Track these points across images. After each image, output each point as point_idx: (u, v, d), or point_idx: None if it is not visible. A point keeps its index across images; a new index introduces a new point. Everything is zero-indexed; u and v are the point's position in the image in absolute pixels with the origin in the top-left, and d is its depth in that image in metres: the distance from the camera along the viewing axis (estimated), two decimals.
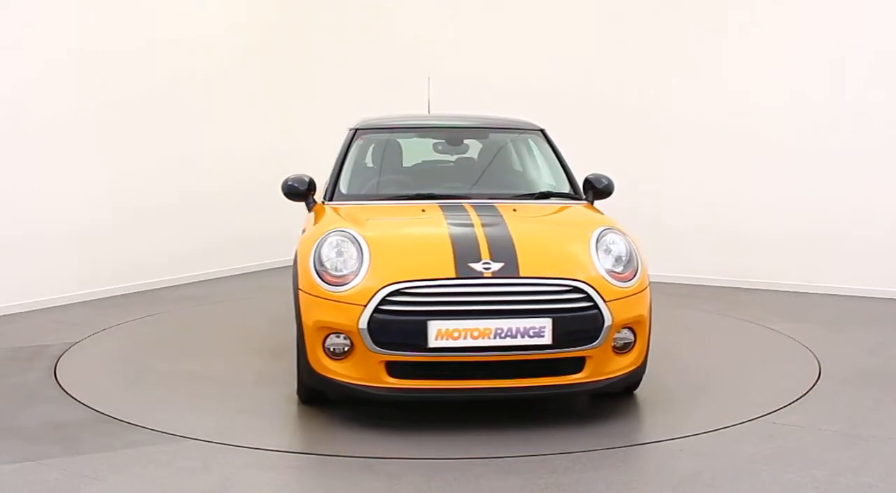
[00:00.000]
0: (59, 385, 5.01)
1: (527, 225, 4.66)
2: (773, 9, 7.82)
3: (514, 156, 5.78)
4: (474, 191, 5.27)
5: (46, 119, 7.09)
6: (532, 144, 5.67)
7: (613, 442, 4.10)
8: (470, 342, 4.01)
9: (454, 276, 4.09)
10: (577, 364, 4.19)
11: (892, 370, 5.35)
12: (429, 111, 6.43)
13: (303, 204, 5.32)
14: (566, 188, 5.33)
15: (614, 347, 4.26)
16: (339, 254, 4.28)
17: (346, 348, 4.13)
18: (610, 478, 3.69)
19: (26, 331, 6.29)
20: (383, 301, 4.04)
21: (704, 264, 8.20)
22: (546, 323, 4.04)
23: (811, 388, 4.96)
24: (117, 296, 7.56)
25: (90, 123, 7.42)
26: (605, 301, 4.13)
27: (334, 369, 4.19)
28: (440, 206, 4.84)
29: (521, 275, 4.11)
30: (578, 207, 5.11)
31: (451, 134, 5.83)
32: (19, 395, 4.84)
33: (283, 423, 4.40)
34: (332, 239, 4.36)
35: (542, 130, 5.68)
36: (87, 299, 7.34)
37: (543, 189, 5.35)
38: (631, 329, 4.30)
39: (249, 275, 8.84)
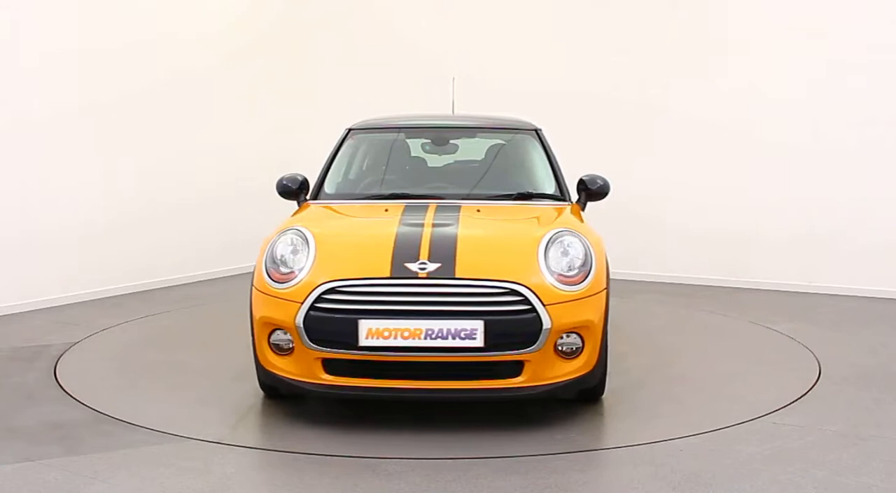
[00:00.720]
0: (59, 385, 5.01)
1: (479, 227, 4.61)
2: (775, 8, 7.81)
3: (503, 156, 5.72)
4: (453, 191, 5.23)
5: (46, 119, 7.09)
6: (524, 144, 5.60)
7: (614, 442, 4.10)
8: (400, 342, 4.01)
9: (388, 275, 4.11)
10: (515, 368, 4.11)
11: (892, 370, 5.35)
12: (453, 111, 6.40)
13: None
14: (551, 189, 5.26)
15: (560, 351, 4.16)
16: (294, 252, 4.35)
17: (289, 345, 4.20)
18: (610, 478, 3.69)
19: (26, 331, 6.29)
20: (318, 299, 4.09)
21: (705, 264, 8.20)
22: (478, 325, 4.00)
23: (811, 388, 4.96)
24: (117, 296, 7.56)
25: (90, 123, 7.42)
26: (544, 305, 4.05)
27: (279, 364, 4.27)
28: (405, 205, 4.86)
29: (456, 276, 4.08)
30: (550, 209, 4.97)
31: (444, 134, 5.79)
32: (19, 395, 4.84)
33: (283, 423, 4.40)
34: (286, 238, 4.45)
35: (536, 130, 5.61)
36: (87, 299, 7.34)
37: (526, 190, 5.24)
38: (578, 334, 4.19)
39: (249, 275, 8.82)
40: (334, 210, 5.07)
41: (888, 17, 7.39)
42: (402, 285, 4.08)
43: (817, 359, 5.56)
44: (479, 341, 4.00)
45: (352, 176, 5.58)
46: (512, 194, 5.17)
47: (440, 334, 3.99)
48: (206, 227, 8.48)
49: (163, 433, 4.23)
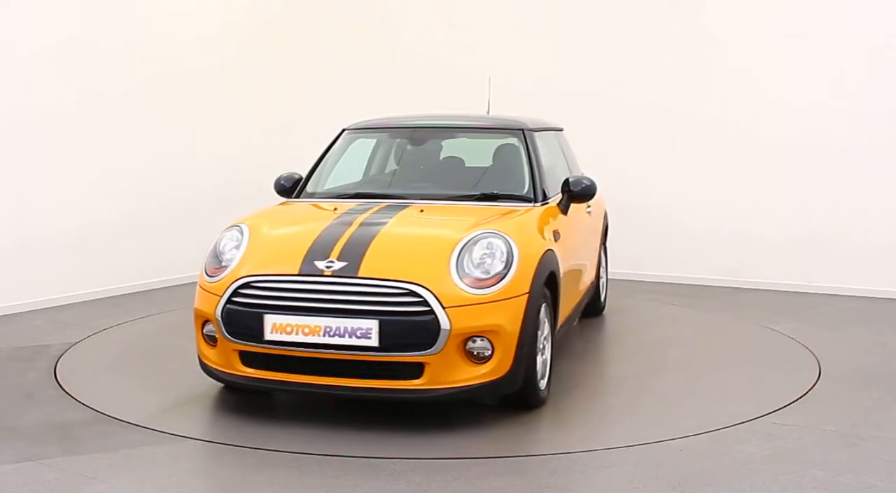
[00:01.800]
0: (59, 385, 5.01)
1: (406, 227, 4.59)
2: (775, 8, 7.82)
3: (481, 156, 5.72)
4: (420, 191, 5.25)
5: (45, 119, 7.09)
6: (506, 144, 5.55)
7: (614, 442, 4.10)
8: (301, 338, 4.10)
9: (296, 273, 4.21)
10: (416, 370, 4.09)
11: (892, 370, 5.35)
12: (488, 111, 6.40)
13: None
14: (523, 190, 5.13)
15: (471, 355, 4.14)
16: (232, 248, 4.54)
17: (215, 337, 4.41)
18: (610, 478, 3.69)
19: (26, 331, 6.29)
20: (234, 293, 4.26)
21: (705, 264, 8.20)
22: (373, 325, 4.03)
23: (811, 388, 4.96)
24: (117, 296, 7.56)
25: (90, 123, 7.41)
26: (443, 307, 4.02)
27: (208, 355, 4.49)
28: (355, 204, 4.98)
29: (359, 275, 4.12)
30: (505, 210, 4.87)
31: (430, 135, 5.77)
32: (19, 395, 4.84)
33: (283, 423, 4.40)
34: (228, 233, 4.67)
35: (522, 130, 5.47)
36: (87, 299, 7.34)
37: (491, 190, 5.15)
38: (488, 338, 4.12)
39: None
40: (291, 208, 5.18)
41: (889, 18, 7.38)
42: (305, 283, 4.17)
43: (817, 359, 5.56)
44: (374, 341, 4.03)
45: (334, 175, 5.68)
46: (475, 195, 5.13)
47: (338, 332, 4.05)
48: (206, 227, 8.43)
49: (163, 433, 4.23)
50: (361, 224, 4.52)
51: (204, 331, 4.49)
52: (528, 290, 4.26)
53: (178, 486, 3.62)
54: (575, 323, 6.00)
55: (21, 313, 6.85)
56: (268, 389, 4.45)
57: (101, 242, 7.51)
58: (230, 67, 8.73)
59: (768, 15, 7.84)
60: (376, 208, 4.84)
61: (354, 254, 4.22)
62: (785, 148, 7.81)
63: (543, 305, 4.48)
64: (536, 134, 5.59)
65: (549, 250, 4.60)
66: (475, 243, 4.28)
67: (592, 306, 6.63)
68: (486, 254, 4.25)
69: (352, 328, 4.04)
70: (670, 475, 3.72)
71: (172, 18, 8.13)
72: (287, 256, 4.32)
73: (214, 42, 8.57)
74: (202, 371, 4.64)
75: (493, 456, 3.93)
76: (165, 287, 8.03)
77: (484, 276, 4.18)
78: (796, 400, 4.73)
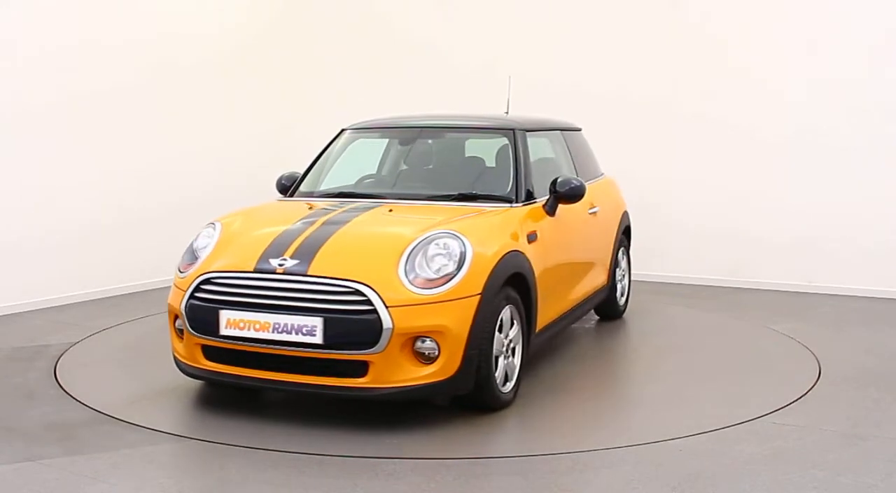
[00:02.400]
0: (59, 385, 5.01)
1: (364, 227, 4.60)
2: (781, 7, 7.82)
3: (471, 156, 5.72)
4: (401, 191, 5.34)
5: (45, 119, 7.09)
6: (495, 144, 5.53)
7: (614, 442, 4.10)
8: (252, 334, 4.20)
9: (251, 270, 4.31)
10: (361, 368, 4.13)
11: (892, 370, 5.35)
12: (507, 111, 6.37)
13: None
14: (504, 191, 5.09)
15: (420, 354, 4.16)
16: (205, 245, 4.68)
17: (182, 330, 4.54)
18: (610, 478, 3.69)
19: (26, 331, 6.29)
20: (196, 288, 4.40)
21: (705, 264, 8.20)
22: (317, 322, 4.08)
23: (811, 388, 4.96)
24: (117, 296, 7.56)
25: (90, 122, 7.41)
26: (386, 306, 4.04)
27: (178, 348, 4.64)
28: (330, 203, 5.10)
29: (308, 273, 4.18)
30: (477, 210, 4.86)
31: (425, 134, 5.79)
32: (19, 395, 4.84)
33: (283, 423, 4.40)
34: (204, 231, 4.83)
35: (513, 130, 5.40)
36: (87, 299, 7.34)
37: (469, 191, 5.15)
38: (434, 339, 4.13)
39: None
40: (272, 206, 5.28)
41: (891, 19, 7.38)
42: (258, 280, 4.27)
43: (817, 359, 5.56)
44: (318, 338, 4.09)
45: (325, 174, 5.72)
46: (452, 195, 5.12)
47: (285, 329, 4.13)
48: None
49: (163, 432, 4.23)
50: (324, 223, 4.59)
51: (175, 325, 4.63)
52: (480, 291, 4.23)
53: (178, 486, 3.62)
54: (590, 324, 5.99)
55: (21, 313, 6.85)
56: (225, 383, 4.55)
57: (101, 242, 7.51)
58: (230, 67, 8.73)
59: (772, 14, 7.83)
60: (346, 208, 4.90)
61: (307, 253, 4.29)
62: (785, 148, 7.80)
63: (507, 307, 4.47)
64: (530, 134, 5.55)
65: (513, 251, 4.55)
66: (429, 243, 4.29)
67: (608, 309, 6.60)
68: (438, 254, 4.25)
69: (298, 325, 4.11)
70: (670, 475, 3.72)
71: (172, 18, 8.13)
72: (246, 253, 4.43)
73: (214, 42, 8.57)
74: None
75: (493, 456, 3.93)
76: (165, 287, 7.97)
77: (433, 276, 4.19)
78: (796, 400, 4.73)
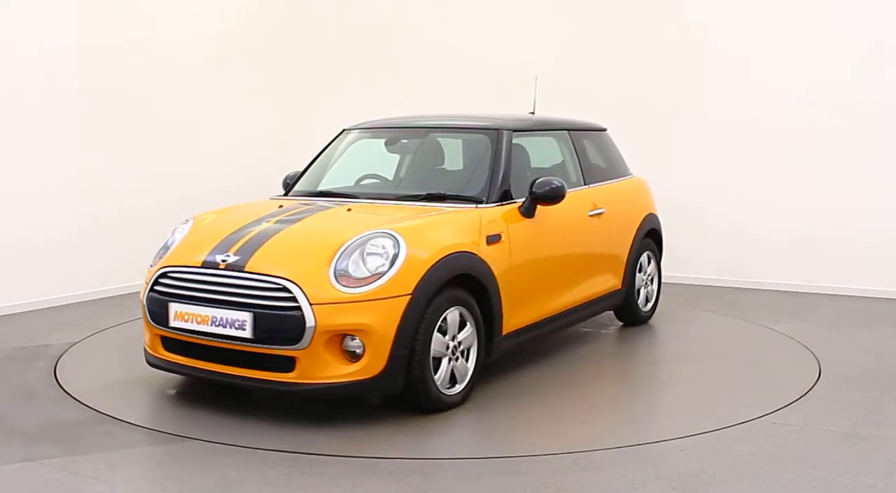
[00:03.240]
0: (59, 385, 5.01)
1: (309, 226, 4.67)
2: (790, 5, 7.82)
3: (451, 156, 5.70)
4: (374, 190, 5.46)
5: (45, 118, 7.09)
6: (475, 144, 5.50)
7: (613, 442, 4.10)
8: (195, 326, 4.38)
9: (198, 265, 4.48)
10: (289, 363, 4.21)
11: (892, 370, 5.35)
12: (533, 110, 6.37)
13: None
14: (475, 191, 5.06)
15: (348, 352, 4.22)
16: (175, 241, 4.88)
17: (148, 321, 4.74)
18: (610, 478, 3.69)
19: (26, 331, 6.29)
20: (155, 282, 4.62)
21: (705, 264, 8.19)
22: (247, 317, 4.21)
23: (811, 388, 4.96)
24: (117, 296, 7.56)
25: (89, 122, 7.42)
26: (311, 304, 4.11)
27: (146, 339, 4.82)
28: (298, 202, 5.21)
29: (245, 270, 4.30)
30: (433, 209, 4.88)
31: (414, 134, 5.80)
32: (19, 395, 4.84)
33: (283, 423, 4.40)
34: (181, 227, 5.01)
35: (496, 130, 5.35)
36: (87, 299, 7.34)
37: (439, 191, 5.16)
38: (359, 337, 4.18)
39: None
40: (250, 204, 5.38)
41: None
42: (203, 274, 4.44)
43: (817, 359, 5.55)
44: (248, 333, 4.21)
45: (318, 174, 5.79)
46: (421, 195, 5.14)
47: (221, 323, 4.29)
48: None
49: (163, 433, 4.23)
50: (276, 222, 4.69)
51: (147, 317, 4.77)
52: (410, 291, 4.24)
53: (178, 486, 3.62)
54: (608, 330, 5.97)
55: (21, 313, 6.85)
56: (176, 372, 4.72)
57: (101, 241, 7.51)
58: (231, 67, 8.73)
59: (764, 7, 7.83)
60: (306, 207, 5.01)
61: (249, 250, 4.41)
62: (786, 148, 7.80)
63: (454, 308, 4.48)
64: (521, 135, 5.51)
65: (461, 252, 4.53)
66: (365, 243, 4.32)
67: (628, 314, 6.43)
68: (374, 254, 4.29)
69: (231, 319, 4.25)
70: (670, 475, 3.72)
71: (172, 18, 8.12)
72: (199, 249, 4.59)
73: (214, 41, 8.56)
74: None
75: (494, 456, 3.93)
76: None
77: (360, 275, 4.22)
78: (796, 400, 4.73)
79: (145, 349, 4.84)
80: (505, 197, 5.06)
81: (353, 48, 9.50)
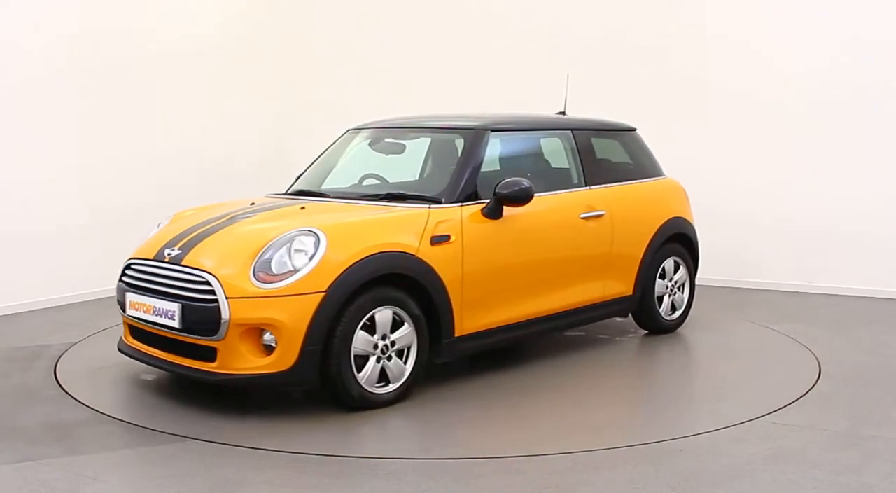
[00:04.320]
0: (59, 385, 5.01)
1: (251, 223, 4.79)
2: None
3: (430, 156, 5.71)
4: (340, 191, 5.48)
5: (46, 117, 7.09)
6: (447, 144, 5.49)
7: (613, 442, 4.10)
8: (142, 315, 4.68)
9: (150, 258, 4.77)
10: (211, 353, 4.39)
11: (892, 370, 5.35)
12: (565, 109, 6.33)
13: None
14: (435, 192, 5.05)
15: (264, 345, 4.33)
16: (152, 235, 5.14)
17: None
18: (610, 478, 3.69)
19: (26, 331, 6.29)
20: (122, 272, 4.93)
21: (706, 264, 8.17)
22: (176, 308, 4.45)
23: (811, 388, 4.96)
24: None
25: (90, 122, 7.42)
26: (227, 298, 4.27)
27: (124, 329, 5.08)
28: (268, 201, 5.35)
29: (181, 263, 4.54)
30: (381, 208, 4.95)
31: (399, 135, 5.82)
32: (19, 395, 4.84)
33: (283, 423, 4.40)
34: (162, 222, 5.26)
35: (472, 130, 5.31)
36: (87, 299, 7.34)
37: (398, 191, 5.22)
38: (272, 332, 4.29)
39: None
40: (230, 202, 5.52)
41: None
42: (151, 266, 4.73)
43: (817, 359, 5.55)
44: (176, 323, 4.45)
45: (311, 174, 5.86)
46: (381, 195, 5.18)
47: (158, 312, 4.56)
48: None
49: (163, 433, 4.23)
50: (227, 219, 4.86)
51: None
52: (324, 289, 4.31)
53: (178, 486, 3.62)
54: (625, 337, 5.96)
55: (21, 313, 6.85)
56: (136, 358, 4.91)
57: (101, 241, 7.50)
58: (233, 67, 8.73)
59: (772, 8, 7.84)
60: (262, 205, 5.15)
61: (191, 245, 4.63)
62: (786, 148, 7.80)
63: (385, 308, 4.51)
64: (505, 135, 5.48)
65: (391, 252, 4.55)
66: (288, 240, 4.42)
67: (649, 322, 6.18)
68: (295, 250, 4.39)
69: (165, 309, 4.52)
70: (670, 475, 3.72)
71: (161, 11, 8.08)
72: (159, 242, 4.83)
73: (205, 37, 8.54)
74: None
75: (494, 456, 3.93)
76: None
77: (279, 271, 4.33)
78: (796, 400, 4.73)
79: (120, 340, 5.12)
80: (472, 198, 5.02)
81: (356, 42, 9.44)
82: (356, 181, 5.73)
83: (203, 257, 4.49)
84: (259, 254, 4.38)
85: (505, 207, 5.02)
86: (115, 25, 7.59)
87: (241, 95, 8.85)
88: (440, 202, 4.94)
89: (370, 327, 4.48)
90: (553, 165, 5.88)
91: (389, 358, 4.57)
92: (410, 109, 6.93)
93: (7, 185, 6.85)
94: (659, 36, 8.20)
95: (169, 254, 4.63)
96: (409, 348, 4.65)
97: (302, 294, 4.28)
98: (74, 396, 4.81)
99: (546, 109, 6.57)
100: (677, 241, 6.31)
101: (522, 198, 4.98)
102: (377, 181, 5.73)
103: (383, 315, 4.51)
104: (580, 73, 7.21)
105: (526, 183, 4.97)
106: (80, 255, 7.34)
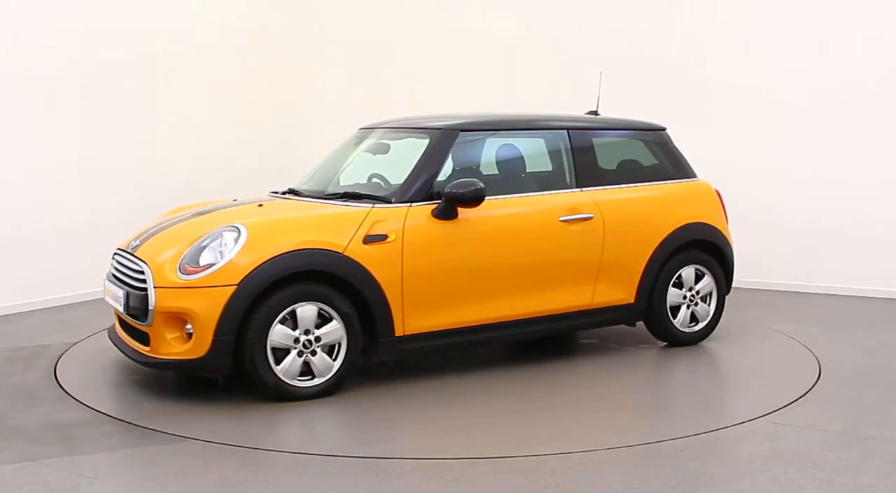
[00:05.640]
0: (59, 385, 5.01)
1: (204, 219, 5.04)
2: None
3: (399, 156, 5.63)
4: (316, 190, 5.53)
5: (46, 116, 7.09)
6: (414, 145, 5.42)
7: (613, 442, 4.10)
8: (109, 300, 5.09)
9: (123, 247, 5.14)
10: (145, 338, 4.73)
11: (892, 370, 5.35)
12: (597, 107, 6.21)
13: None
14: (386, 191, 5.13)
15: (187, 333, 4.58)
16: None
17: None
18: (610, 478, 3.69)
19: (26, 331, 6.29)
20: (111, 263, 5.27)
21: None
22: (121, 294, 4.82)
23: (811, 388, 4.96)
24: None
25: (90, 123, 7.41)
26: (154, 287, 4.59)
27: None
28: (246, 199, 5.53)
29: (134, 254, 4.89)
30: (328, 207, 5.05)
31: (384, 135, 5.83)
32: (19, 395, 4.84)
33: (282, 423, 4.40)
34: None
35: (440, 130, 5.29)
36: (87, 299, 7.34)
37: (355, 190, 5.31)
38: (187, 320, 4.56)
39: None
40: (217, 200, 5.70)
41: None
42: (119, 255, 5.11)
43: (817, 359, 5.55)
44: (122, 308, 4.82)
45: (308, 172, 5.93)
46: (339, 193, 5.27)
47: (115, 298, 4.94)
48: None
49: (163, 433, 4.23)
50: (193, 214, 5.19)
51: None
52: (237, 282, 4.49)
53: (178, 486, 3.62)
54: (641, 347, 5.95)
55: (21, 313, 6.85)
56: (115, 345, 5.18)
57: (101, 241, 7.47)
58: (234, 66, 8.72)
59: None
60: (232, 203, 5.36)
61: (147, 237, 5.00)
62: (785, 147, 7.80)
63: (309, 304, 4.60)
64: (479, 135, 5.41)
65: (314, 249, 4.63)
66: (216, 235, 4.66)
67: (661, 334, 5.83)
68: (213, 243, 4.62)
69: (117, 295, 4.89)
70: (670, 475, 3.72)
71: (163, 9, 8.08)
72: (136, 233, 5.21)
73: (209, 35, 8.55)
74: None
75: (494, 456, 3.93)
76: None
77: (204, 263, 4.57)
78: (796, 400, 4.73)
79: (111, 325, 5.45)
80: (428, 198, 5.01)
81: (360, 41, 9.39)
82: (339, 179, 5.69)
83: (148, 249, 4.83)
84: (189, 248, 4.64)
85: (461, 209, 4.97)
86: (116, 25, 7.59)
87: (242, 95, 8.85)
88: (389, 202, 4.97)
89: (292, 322, 4.61)
90: (533, 166, 5.73)
91: (314, 353, 4.65)
92: (423, 109, 6.88)
93: (7, 185, 6.85)
94: (666, 36, 8.21)
95: (132, 245, 4.98)
96: (339, 345, 4.71)
97: (215, 287, 4.49)
98: (74, 396, 4.81)
99: (577, 109, 6.37)
100: (700, 248, 5.88)
101: (470, 198, 4.92)
102: (381, 181, 5.72)
103: (306, 311, 4.61)
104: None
105: (470, 186, 4.90)
106: (80, 255, 7.33)
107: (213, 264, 4.52)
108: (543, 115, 6.04)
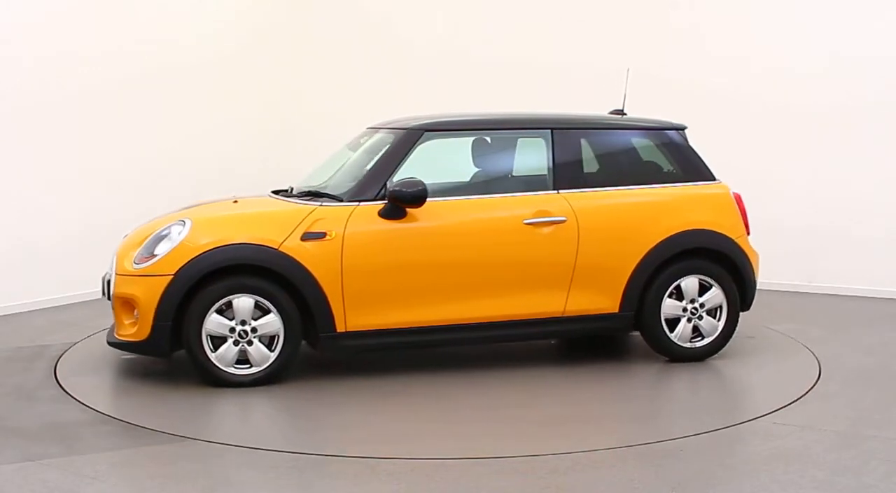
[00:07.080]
0: (59, 385, 5.01)
1: (178, 213, 5.32)
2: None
3: (373, 156, 5.60)
4: (305, 188, 5.61)
5: (45, 118, 7.09)
6: (379, 145, 5.43)
7: (613, 442, 4.10)
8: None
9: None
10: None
11: (892, 370, 5.35)
12: (623, 106, 5.99)
13: None
14: (342, 191, 5.18)
15: (136, 317, 4.92)
16: None
17: None
18: (610, 478, 3.69)
19: (26, 331, 6.29)
20: None
21: None
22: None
23: (811, 388, 4.96)
24: None
25: (91, 123, 7.41)
26: (116, 274, 5.04)
27: None
28: (236, 197, 5.72)
29: (120, 246, 5.29)
30: (282, 204, 5.24)
31: (366, 135, 5.83)
32: (19, 395, 4.84)
33: (283, 423, 4.40)
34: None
35: (405, 130, 5.28)
36: (87, 299, 7.33)
37: (318, 189, 5.39)
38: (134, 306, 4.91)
39: None
40: (217, 199, 5.94)
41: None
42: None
43: (817, 359, 5.55)
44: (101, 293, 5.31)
45: (315, 172, 5.97)
46: (304, 192, 5.42)
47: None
48: None
49: (163, 433, 4.23)
50: (184, 209, 5.43)
51: None
52: (173, 272, 4.80)
53: (178, 486, 3.62)
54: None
55: (21, 313, 6.85)
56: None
57: (101, 241, 7.47)
58: (234, 74, 8.72)
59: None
60: (218, 199, 5.70)
61: (134, 230, 5.37)
62: (785, 147, 7.80)
63: (244, 296, 4.82)
64: (443, 135, 5.35)
65: (249, 244, 4.85)
66: (168, 228, 4.99)
67: (657, 347, 5.43)
68: (168, 237, 4.93)
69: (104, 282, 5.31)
70: (670, 475, 3.72)
71: (163, 21, 8.08)
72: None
73: (206, 46, 8.53)
74: None
75: (493, 456, 3.93)
76: None
77: (143, 253, 4.95)
78: (796, 400, 4.73)
79: None
80: (376, 197, 5.04)
81: (359, 48, 9.41)
82: (332, 178, 5.65)
83: (127, 240, 5.26)
84: (149, 239, 4.99)
85: (411, 209, 4.99)
86: (117, 36, 7.59)
87: (242, 103, 8.84)
88: (342, 201, 5.09)
89: (227, 313, 4.85)
90: (505, 168, 5.64)
91: (250, 343, 4.86)
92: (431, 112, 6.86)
93: (8, 186, 6.84)
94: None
95: (125, 236, 5.40)
96: (277, 337, 4.90)
97: (155, 275, 4.83)
98: (74, 396, 4.81)
99: (602, 109, 6.22)
100: (705, 256, 5.45)
101: (411, 198, 4.93)
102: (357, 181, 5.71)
103: (242, 302, 4.85)
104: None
105: (412, 187, 4.91)
106: (80, 255, 7.31)
107: (152, 256, 4.89)
108: (525, 114, 5.81)
